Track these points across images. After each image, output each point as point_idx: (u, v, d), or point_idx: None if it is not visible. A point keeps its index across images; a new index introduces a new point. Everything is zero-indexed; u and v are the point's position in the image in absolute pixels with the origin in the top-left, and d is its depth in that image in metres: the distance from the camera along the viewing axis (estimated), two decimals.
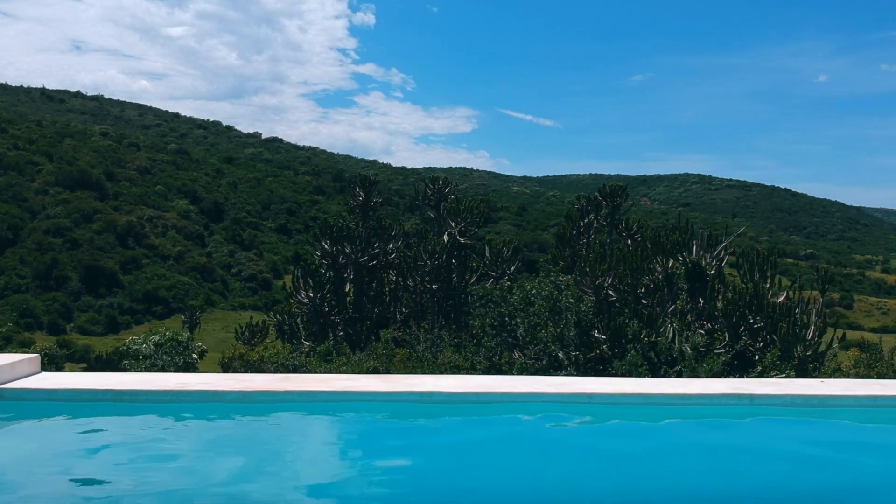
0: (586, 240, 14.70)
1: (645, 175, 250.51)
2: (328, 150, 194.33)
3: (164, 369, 10.76)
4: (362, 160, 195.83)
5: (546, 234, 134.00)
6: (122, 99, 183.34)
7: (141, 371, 10.60)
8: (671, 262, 11.28)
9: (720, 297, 9.92)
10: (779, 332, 9.35)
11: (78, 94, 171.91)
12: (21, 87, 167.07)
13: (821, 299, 11.66)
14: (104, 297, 72.07)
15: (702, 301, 9.97)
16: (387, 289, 16.26)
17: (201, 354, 10.91)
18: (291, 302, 16.27)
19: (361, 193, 17.17)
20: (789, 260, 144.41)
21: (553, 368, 9.55)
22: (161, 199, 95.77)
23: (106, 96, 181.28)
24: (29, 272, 71.85)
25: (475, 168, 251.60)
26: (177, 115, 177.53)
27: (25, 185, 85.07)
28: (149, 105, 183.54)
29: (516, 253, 17.11)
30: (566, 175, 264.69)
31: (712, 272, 11.42)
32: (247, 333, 15.18)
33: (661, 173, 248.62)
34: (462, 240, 16.02)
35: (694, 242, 12.13)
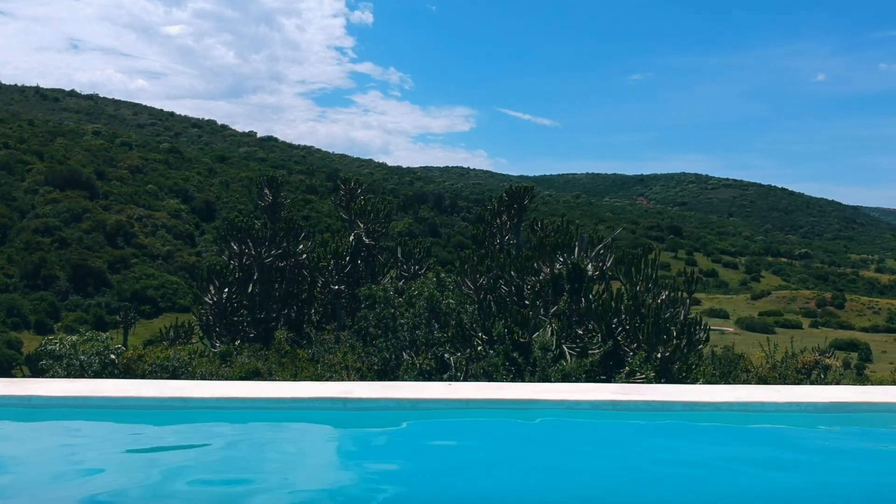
0: (500, 240, 14.65)
1: (642, 174, 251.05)
2: (324, 150, 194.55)
3: (82, 368, 10.67)
4: (357, 159, 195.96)
5: None
6: (119, 98, 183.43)
7: (59, 371, 10.50)
8: (557, 263, 11.23)
9: (596, 298, 9.85)
10: (642, 333, 9.30)
11: (72, 94, 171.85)
12: (15, 85, 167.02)
13: (688, 300, 11.68)
14: (92, 297, 71.89)
15: (583, 302, 9.90)
16: (303, 289, 16.17)
17: (121, 355, 10.82)
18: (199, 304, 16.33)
19: (269, 194, 17.08)
20: (784, 259, 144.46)
21: (439, 370, 9.47)
22: (152, 199, 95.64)
23: (102, 95, 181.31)
24: (17, 271, 71.68)
25: (472, 167, 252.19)
26: (171, 114, 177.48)
27: (15, 184, 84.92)
28: (144, 104, 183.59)
29: (428, 253, 17.07)
30: (563, 174, 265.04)
31: (596, 273, 11.37)
32: (171, 334, 15.10)
33: (658, 173, 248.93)
34: (367, 240, 15.97)
35: (576, 244, 12.11)
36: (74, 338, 10.93)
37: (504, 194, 15.78)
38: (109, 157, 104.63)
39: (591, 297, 9.96)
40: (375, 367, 9.42)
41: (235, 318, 15.31)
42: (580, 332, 9.72)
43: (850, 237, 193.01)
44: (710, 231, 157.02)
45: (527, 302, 10.01)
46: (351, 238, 16.14)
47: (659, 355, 8.88)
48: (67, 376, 10.97)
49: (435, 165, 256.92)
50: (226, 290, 15.26)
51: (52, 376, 11.05)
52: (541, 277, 10.71)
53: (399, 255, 16.13)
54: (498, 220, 14.92)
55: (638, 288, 10.63)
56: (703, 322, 14.12)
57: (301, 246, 16.44)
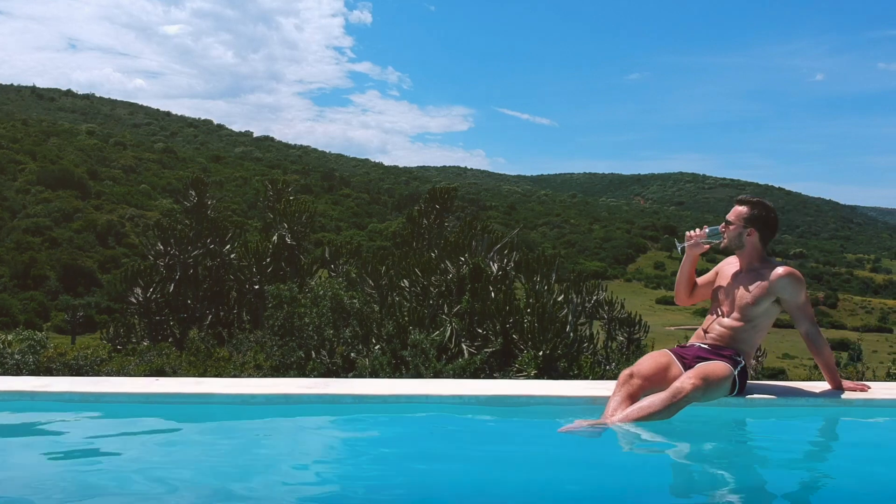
0: (427, 240, 14.65)
1: (639, 174, 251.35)
2: (320, 149, 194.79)
3: (18, 368, 10.65)
4: (354, 159, 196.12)
5: (534, 233, 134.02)
6: (116, 97, 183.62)
7: None
8: (462, 263, 11.28)
9: (493, 298, 9.91)
10: (525, 331, 9.36)
11: (69, 93, 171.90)
12: (11, 85, 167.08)
13: (576, 299, 11.71)
14: (82, 297, 71.83)
15: (488, 302, 9.94)
16: (231, 289, 16.19)
17: (42, 354, 10.78)
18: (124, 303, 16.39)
19: (194, 195, 17.14)
20: (779, 259, 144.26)
21: (346, 369, 9.49)
22: (145, 199, 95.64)
23: (98, 95, 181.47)
24: (7, 271, 71.68)
25: (470, 167, 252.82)
26: (168, 114, 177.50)
27: (7, 183, 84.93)
28: (140, 104, 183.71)
29: (356, 253, 17.07)
30: (560, 174, 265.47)
31: (500, 273, 11.41)
32: (111, 332, 15.16)
33: (655, 172, 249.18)
34: (289, 240, 15.99)
35: (477, 244, 12.16)
36: (10, 336, 10.91)
37: (427, 194, 15.89)
38: (103, 157, 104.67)
39: (490, 296, 10.03)
40: (293, 366, 9.43)
41: (158, 318, 15.38)
42: (480, 330, 9.76)
43: (847, 237, 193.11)
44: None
45: (431, 301, 10.05)
46: (274, 238, 16.18)
47: (541, 353, 8.92)
48: (3, 375, 10.93)
49: (433, 165, 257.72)
50: (150, 290, 15.34)
51: None
52: (448, 277, 10.75)
53: (326, 255, 16.18)
54: (426, 221, 14.95)
55: (537, 287, 10.74)
56: (643, 321, 14.08)
57: (228, 246, 16.48)
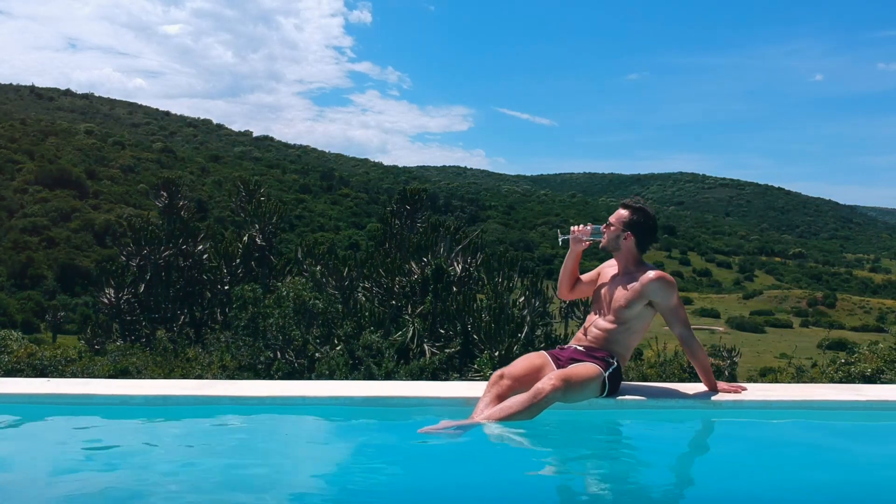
0: (398, 241, 14.70)
1: (639, 174, 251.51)
2: (319, 149, 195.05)
3: None
4: (353, 158, 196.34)
5: (533, 232, 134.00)
6: (115, 97, 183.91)
7: None
8: (424, 263, 11.36)
9: (453, 298, 10.01)
10: (481, 332, 9.45)
11: (68, 92, 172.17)
12: (10, 84, 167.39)
13: (535, 301, 11.79)
14: (79, 296, 72.01)
15: (448, 302, 10.05)
16: (205, 290, 16.28)
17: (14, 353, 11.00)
18: (98, 303, 16.55)
19: (166, 196, 17.32)
20: (778, 259, 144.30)
21: (310, 369, 9.61)
22: (143, 198, 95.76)
23: (98, 94, 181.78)
24: (4, 270, 71.91)
25: (469, 167, 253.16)
26: (167, 114, 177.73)
27: (4, 183, 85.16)
28: (139, 103, 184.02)
29: (330, 252, 17.11)
30: (560, 174, 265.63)
31: (464, 273, 11.51)
32: (89, 333, 15.30)
33: (655, 172, 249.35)
34: (259, 241, 16.09)
35: (441, 244, 12.19)
36: None
37: (398, 195, 15.94)
38: (101, 157, 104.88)
39: (450, 297, 10.13)
40: (260, 367, 9.56)
41: (129, 318, 15.53)
42: (441, 331, 9.87)
43: (847, 236, 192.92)
44: (706, 230, 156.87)
45: (394, 302, 10.17)
46: (245, 239, 16.29)
47: (497, 354, 9.01)
48: None
49: (433, 165, 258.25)
50: (122, 290, 15.52)
51: None
52: (413, 277, 10.84)
53: (299, 256, 16.24)
54: (397, 222, 14.99)
55: (499, 288, 10.81)
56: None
57: (200, 247, 16.62)
